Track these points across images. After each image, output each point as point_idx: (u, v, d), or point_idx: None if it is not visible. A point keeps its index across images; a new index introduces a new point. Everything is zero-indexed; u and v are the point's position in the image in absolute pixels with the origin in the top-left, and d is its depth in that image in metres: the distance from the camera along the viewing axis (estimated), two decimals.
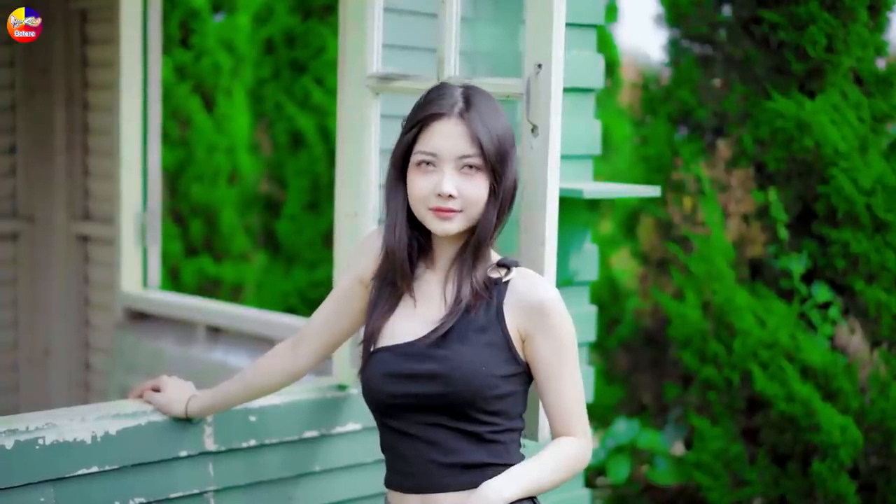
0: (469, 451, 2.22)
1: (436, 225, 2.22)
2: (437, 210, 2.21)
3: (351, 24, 2.91)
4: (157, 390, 2.74)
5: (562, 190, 2.67)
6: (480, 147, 2.19)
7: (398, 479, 2.29)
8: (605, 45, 7.88)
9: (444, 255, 2.30)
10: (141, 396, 2.76)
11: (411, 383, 2.21)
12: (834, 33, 4.42)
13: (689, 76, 4.84)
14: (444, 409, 2.20)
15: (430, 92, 2.28)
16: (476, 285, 2.23)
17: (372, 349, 2.29)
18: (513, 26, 3.24)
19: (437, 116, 2.21)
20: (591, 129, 3.48)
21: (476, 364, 2.19)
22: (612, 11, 8.41)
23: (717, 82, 4.81)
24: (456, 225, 2.22)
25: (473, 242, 2.25)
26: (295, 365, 2.57)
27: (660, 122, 4.95)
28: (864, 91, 4.56)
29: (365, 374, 2.29)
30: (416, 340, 2.24)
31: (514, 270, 2.28)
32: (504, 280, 2.26)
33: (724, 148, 4.66)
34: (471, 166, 2.20)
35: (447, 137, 2.20)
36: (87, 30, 4.89)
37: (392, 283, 2.30)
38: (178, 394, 2.71)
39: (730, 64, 4.74)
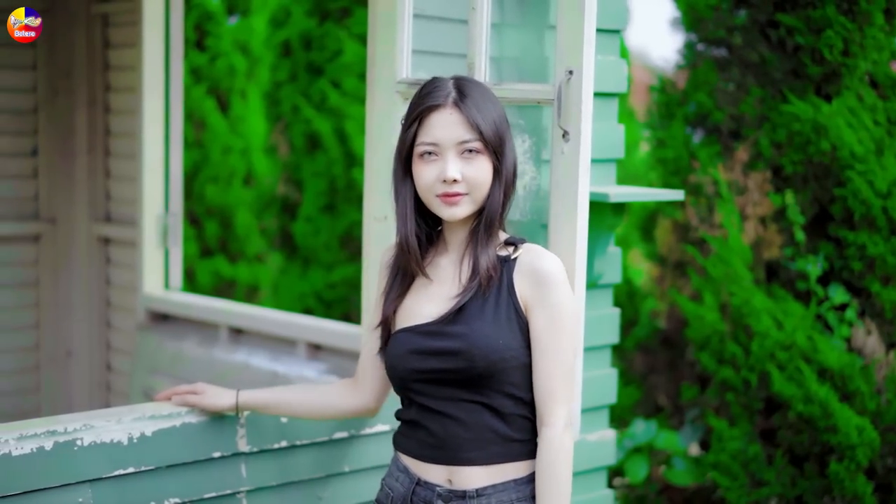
0: (492, 425, 2.29)
1: (444, 211, 2.32)
2: (445, 196, 2.30)
3: (380, 30, 2.94)
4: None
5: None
6: (479, 132, 2.29)
7: (419, 447, 2.36)
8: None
9: (456, 238, 2.39)
10: (170, 399, 2.79)
11: (434, 359, 2.29)
12: (850, 37, 4.44)
13: (705, 79, 4.87)
14: (465, 383, 2.28)
15: (423, 87, 2.38)
16: (490, 262, 2.31)
17: (393, 331, 2.38)
18: (539, 32, 3.26)
19: (433, 108, 2.31)
20: (614, 134, 3.51)
21: (492, 339, 2.27)
22: None
23: (733, 86, 4.84)
24: (463, 209, 2.32)
25: (485, 221, 2.33)
26: (362, 399, 2.61)
27: (677, 125, 4.97)
28: (879, 94, 4.58)
29: (388, 352, 2.38)
30: (435, 320, 2.32)
31: (522, 247, 2.36)
32: (513, 257, 2.35)
33: (740, 151, 4.68)
34: (471, 150, 2.30)
35: (445, 127, 2.30)
36: (109, 34, 4.92)
37: (404, 269, 2.40)
38: (223, 390, 2.75)
39: (746, 67, 4.76)
